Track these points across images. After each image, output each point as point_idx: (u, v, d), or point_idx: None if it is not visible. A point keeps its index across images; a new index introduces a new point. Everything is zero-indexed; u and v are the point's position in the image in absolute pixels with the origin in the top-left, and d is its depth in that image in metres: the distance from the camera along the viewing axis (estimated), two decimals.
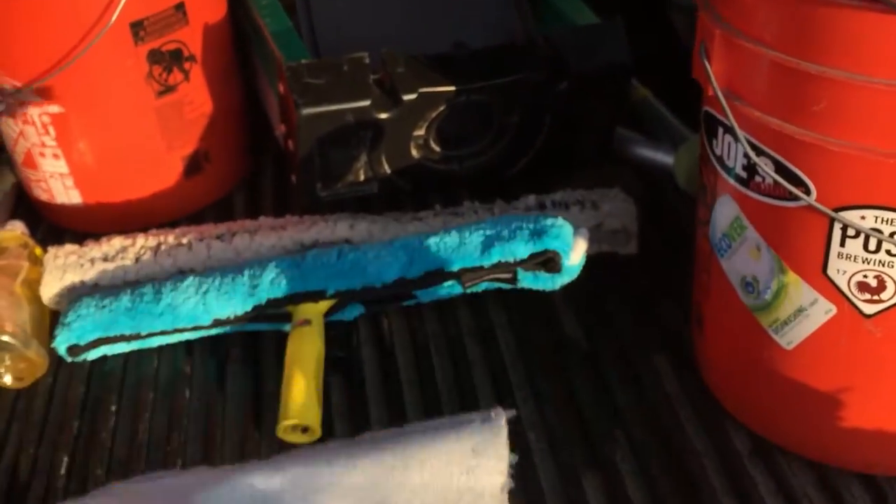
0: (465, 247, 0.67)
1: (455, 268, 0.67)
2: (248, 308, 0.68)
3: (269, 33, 0.78)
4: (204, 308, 0.68)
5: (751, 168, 0.52)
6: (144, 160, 0.83)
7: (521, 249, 0.66)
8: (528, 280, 0.69)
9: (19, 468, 0.65)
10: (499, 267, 0.68)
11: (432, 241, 0.68)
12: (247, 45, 0.89)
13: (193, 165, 0.85)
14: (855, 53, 0.44)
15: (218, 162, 0.87)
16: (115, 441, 0.66)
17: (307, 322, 0.69)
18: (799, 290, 0.54)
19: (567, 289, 0.73)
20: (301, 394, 0.64)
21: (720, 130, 0.54)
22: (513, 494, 0.60)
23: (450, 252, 0.67)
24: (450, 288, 0.71)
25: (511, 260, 0.67)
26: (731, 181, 0.54)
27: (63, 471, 0.65)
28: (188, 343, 0.73)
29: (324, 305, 0.70)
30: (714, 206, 0.57)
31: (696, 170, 0.61)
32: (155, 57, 0.78)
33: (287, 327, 0.70)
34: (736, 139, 0.52)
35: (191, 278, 0.70)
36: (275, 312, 0.70)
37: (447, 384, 0.70)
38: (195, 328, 0.70)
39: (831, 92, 0.46)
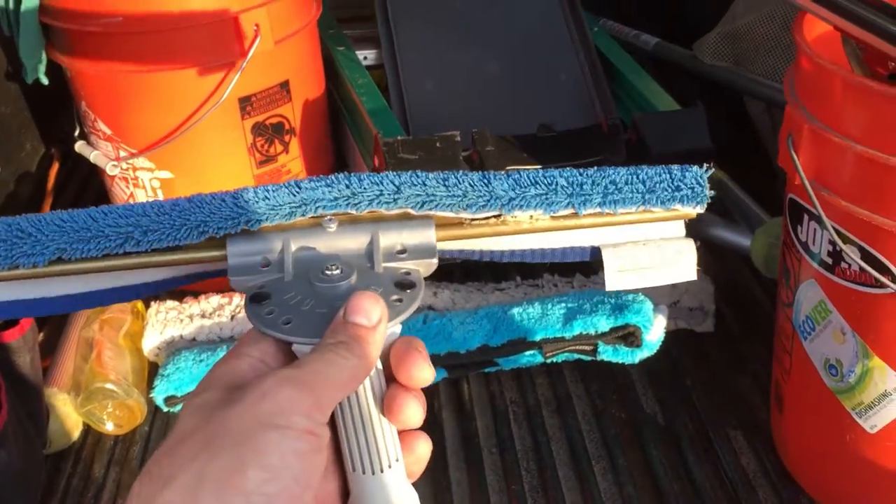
0: (547, 317, 0.70)
1: (537, 338, 0.70)
2: None
3: (366, 110, 0.83)
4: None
5: (836, 255, 0.54)
6: None
7: (603, 323, 0.69)
8: (609, 353, 0.71)
9: None
10: (580, 339, 0.70)
11: (516, 311, 0.71)
12: (340, 119, 0.95)
13: None
14: None
15: None
16: None
17: None
18: (884, 375, 0.55)
19: (643, 363, 0.75)
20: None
21: (805, 218, 0.56)
22: None
23: (533, 322, 0.70)
24: (531, 357, 0.73)
25: (592, 332, 0.69)
26: (816, 266, 0.56)
27: None
28: None
29: None
30: (798, 290, 0.59)
31: (774, 252, 0.63)
32: (259, 130, 0.84)
33: None
34: (822, 226, 0.54)
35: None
36: None
37: (525, 451, 0.72)
38: None
39: None
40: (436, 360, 0.73)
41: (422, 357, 0.33)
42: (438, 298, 0.78)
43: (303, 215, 0.36)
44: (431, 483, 0.69)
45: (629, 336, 0.69)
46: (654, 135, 0.79)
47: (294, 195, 0.35)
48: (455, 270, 0.87)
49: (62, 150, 1.02)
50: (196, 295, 0.82)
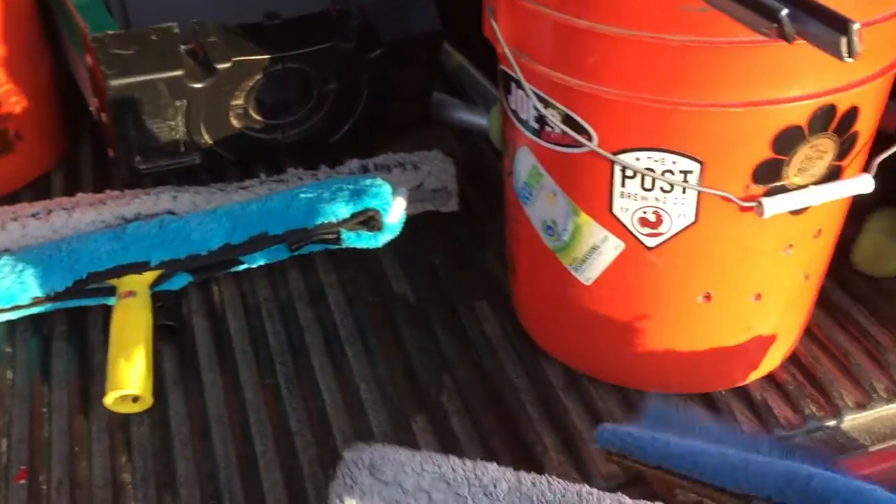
0: (288, 210, 0.69)
1: (280, 231, 0.69)
2: (69, 283, 0.67)
3: (74, 5, 0.76)
4: (21, 287, 0.67)
5: (541, 119, 0.57)
6: None
7: (343, 209, 0.69)
8: (352, 239, 0.72)
9: None
10: (323, 228, 0.70)
11: (255, 206, 0.69)
12: (54, 18, 0.86)
13: (4, 145, 0.82)
14: (616, 10, 0.50)
15: (31, 140, 0.85)
16: None
17: (132, 294, 0.69)
18: (591, 230, 0.59)
19: (394, 247, 0.76)
20: (127, 363, 0.64)
21: (513, 86, 0.58)
22: (347, 445, 0.63)
23: (273, 215, 0.69)
24: (276, 252, 0.73)
25: (334, 220, 0.70)
26: (527, 133, 0.59)
27: None
28: (10, 323, 0.71)
29: (149, 276, 0.70)
30: (515, 158, 0.62)
31: None
32: None
33: (112, 301, 0.70)
34: (526, 93, 0.56)
35: (5, 258, 0.68)
36: (98, 286, 0.69)
37: (279, 345, 0.71)
38: (14, 308, 0.68)
39: (600, 45, 0.51)
40: (177, 265, 0.70)
41: None
42: (178, 202, 0.75)
43: None
44: (183, 388, 0.68)
45: (370, 220, 0.70)
46: (381, 20, 0.78)
47: None
48: (201, 172, 0.84)
49: None
50: None
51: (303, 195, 0.70)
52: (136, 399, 0.65)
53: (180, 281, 0.73)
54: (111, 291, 0.70)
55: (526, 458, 0.63)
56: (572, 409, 0.66)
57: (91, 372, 0.68)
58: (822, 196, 0.55)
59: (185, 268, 0.71)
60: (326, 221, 0.69)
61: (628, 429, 0.54)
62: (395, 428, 0.65)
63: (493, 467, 0.48)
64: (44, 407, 0.66)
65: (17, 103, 0.82)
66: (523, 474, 0.48)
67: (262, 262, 0.74)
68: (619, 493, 0.47)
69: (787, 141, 0.53)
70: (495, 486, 0.46)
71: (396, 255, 0.79)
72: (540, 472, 0.60)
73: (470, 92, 0.94)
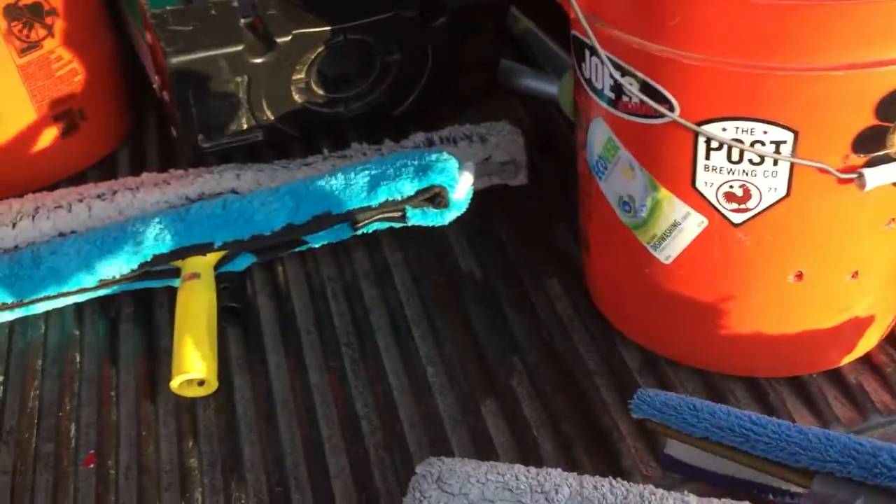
0: (351, 188, 0.67)
1: (343, 210, 0.67)
2: (134, 266, 0.67)
3: None
4: (87, 269, 0.66)
5: (618, 88, 0.53)
6: (14, 122, 0.79)
7: (407, 186, 0.66)
8: (417, 217, 0.69)
9: None
10: (387, 206, 0.68)
11: (318, 184, 0.67)
12: None
13: (69, 124, 0.82)
14: None
15: (96, 119, 0.84)
16: (5, 411, 0.65)
17: (196, 276, 0.68)
18: (672, 205, 0.55)
19: (461, 223, 0.73)
20: (192, 347, 0.63)
21: (587, 53, 0.54)
22: (414, 430, 0.61)
23: (336, 194, 0.67)
24: (340, 231, 0.71)
25: (398, 198, 0.67)
26: (602, 103, 0.55)
27: None
28: (77, 306, 0.71)
29: (213, 258, 0.69)
30: (589, 129, 0.58)
31: None
32: (12, 13, 0.74)
33: (177, 283, 0.69)
34: (601, 60, 0.52)
35: (71, 239, 0.67)
36: (163, 269, 0.69)
37: (344, 327, 0.70)
38: (81, 291, 0.68)
39: (684, 6, 0.47)
40: (241, 245, 0.69)
41: None
42: (242, 181, 0.73)
43: None
44: (248, 371, 0.67)
45: (436, 197, 0.67)
46: None
47: None
48: (264, 149, 0.82)
49: None
50: None
51: (366, 172, 0.67)
52: (201, 383, 0.64)
53: (244, 262, 0.72)
54: (176, 273, 0.69)
55: (600, 445, 0.60)
56: None
57: (158, 355, 0.68)
58: None
59: (249, 248, 0.69)
60: (391, 199, 0.67)
61: (669, 396, 0.50)
62: (464, 412, 0.63)
63: (556, 473, 0.46)
64: (112, 390, 0.66)
65: (80, 82, 0.81)
66: (586, 478, 0.45)
67: (325, 242, 0.72)
68: (685, 492, 0.44)
69: (893, 106, 0.48)
70: (557, 492, 0.44)
71: (463, 231, 0.76)
72: (616, 459, 0.58)
73: (539, 58, 0.90)
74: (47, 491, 0.59)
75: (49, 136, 0.81)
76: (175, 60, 0.68)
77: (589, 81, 0.56)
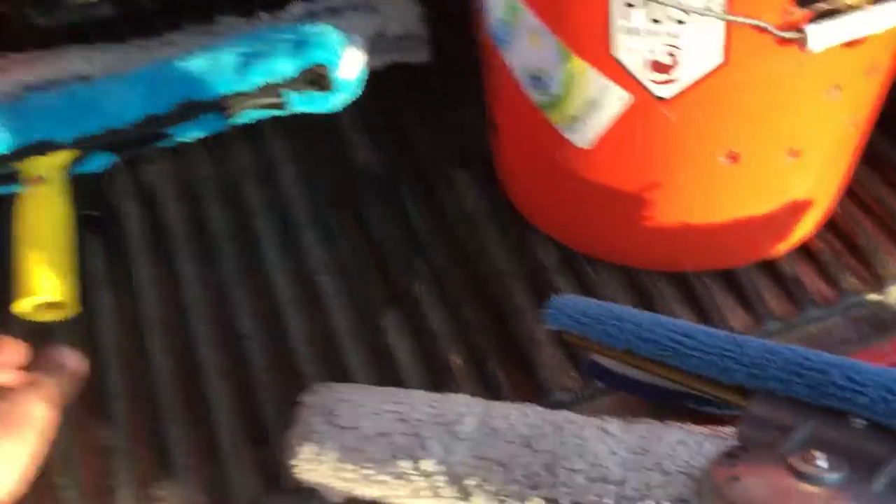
0: (218, 69, 0.57)
1: (209, 96, 0.57)
2: None
3: None
4: None
5: None
6: None
7: (283, 65, 0.56)
8: (300, 102, 0.59)
9: None
10: (262, 90, 0.58)
11: (177, 67, 0.57)
12: None
13: None
14: None
15: None
16: None
17: (41, 179, 0.57)
18: (587, 78, 0.47)
19: (356, 109, 0.64)
20: (43, 263, 0.54)
21: None
22: (307, 349, 0.54)
23: (200, 77, 0.57)
24: (211, 121, 0.61)
25: (274, 80, 0.57)
26: None
27: None
28: None
29: (61, 157, 0.58)
30: None
31: None
32: None
33: (19, 189, 0.58)
34: None
35: None
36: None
37: (225, 234, 0.61)
38: None
39: None
40: (92, 141, 0.59)
41: None
42: (91, 63, 0.62)
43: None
44: (112, 289, 0.58)
45: (318, 78, 0.58)
46: None
47: None
48: (122, 27, 0.71)
49: None
50: None
51: (235, 50, 0.57)
52: (54, 305, 0.55)
53: (102, 161, 0.61)
54: (16, 178, 0.58)
55: (516, 356, 0.53)
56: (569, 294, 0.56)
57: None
58: (885, 20, 0.43)
59: (102, 145, 0.59)
60: (265, 82, 0.57)
61: (588, 304, 0.42)
62: (362, 327, 0.55)
63: (460, 400, 0.39)
64: None
65: None
66: (495, 406, 0.38)
67: (198, 135, 0.62)
68: (606, 417, 0.38)
69: None
70: (460, 423, 0.37)
71: (359, 118, 0.67)
72: (533, 371, 0.52)
73: None
74: None
75: None
76: None
77: None
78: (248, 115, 0.60)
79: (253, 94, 0.58)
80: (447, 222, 0.61)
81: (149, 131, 0.59)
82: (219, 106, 0.58)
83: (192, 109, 0.58)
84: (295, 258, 0.59)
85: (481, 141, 0.64)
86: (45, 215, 0.57)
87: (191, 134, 0.62)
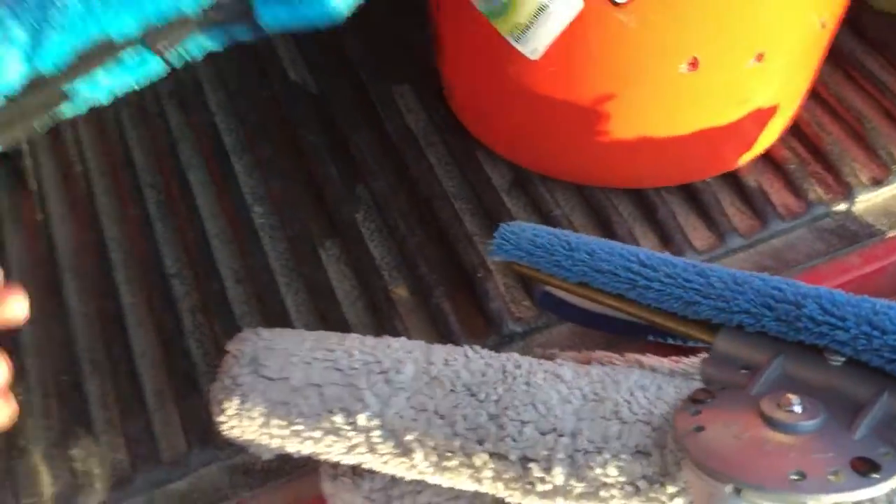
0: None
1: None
2: None
3: None
4: None
5: None
6: None
7: None
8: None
9: None
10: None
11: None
12: None
13: None
14: None
15: None
16: None
17: None
18: None
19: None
20: None
21: None
22: (239, 287, 0.49)
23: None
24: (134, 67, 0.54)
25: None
26: None
27: None
28: None
29: None
30: None
31: None
32: None
33: None
34: None
35: None
36: None
37: (146, 164, 0.56)
38: None
39: None
40: None
41: None
42: None
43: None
44: (22, 229, 0.53)
45: None
46: None
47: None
48: None
49: None
50: None
51: None
52: None
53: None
54: None
55: (465, 287, 0.50)
56: (521, 217, 0.53)
57: None
58: None
59: None
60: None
61: (537, 231, 0.38)
62: (300, 259, 0.51)
63: (398, 345, 0.35)
64: None
65: None
66: (436, 350, 0.35)
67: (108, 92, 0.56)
68: (558, 360, 0.34)
69: None
70: (398, 371, 0.33)
71: (290, 34, 0.61)
72: (482, 303, 0.49)
73: None
74: None
75: None
76: None
77: None
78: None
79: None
80: (390, 144, 0.56)
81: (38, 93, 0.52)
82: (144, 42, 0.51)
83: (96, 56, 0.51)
84: (224, 188, 0.55)
85: (425, 55, 0.59)
86: None
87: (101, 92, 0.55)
